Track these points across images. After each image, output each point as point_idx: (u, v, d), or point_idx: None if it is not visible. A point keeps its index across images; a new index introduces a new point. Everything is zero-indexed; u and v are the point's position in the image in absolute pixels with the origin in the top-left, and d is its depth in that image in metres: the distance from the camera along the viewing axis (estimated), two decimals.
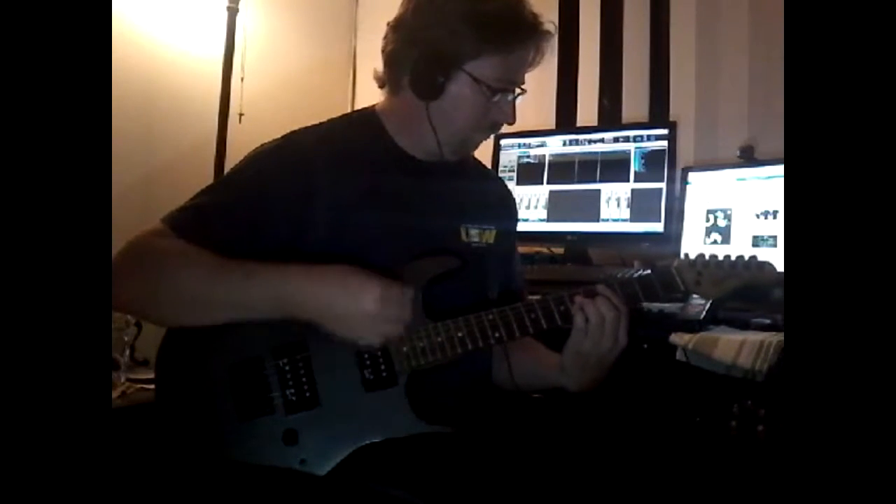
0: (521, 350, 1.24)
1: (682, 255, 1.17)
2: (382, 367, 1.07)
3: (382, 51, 1.18)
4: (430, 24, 1.12)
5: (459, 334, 1.08)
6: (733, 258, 1.12)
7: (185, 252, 1.04)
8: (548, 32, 1.14)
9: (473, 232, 1.23)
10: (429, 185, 1.19)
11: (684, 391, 1.42)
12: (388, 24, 1.17)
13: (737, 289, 1.13)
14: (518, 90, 1.16)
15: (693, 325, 1.41)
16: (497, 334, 1.09)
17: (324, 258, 1.07)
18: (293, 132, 1.17)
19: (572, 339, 1.11)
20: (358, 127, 1.21)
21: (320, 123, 1.20)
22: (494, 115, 1.15)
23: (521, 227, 1.39)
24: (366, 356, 1.07)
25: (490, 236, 1.25)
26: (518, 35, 1.12)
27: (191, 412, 1.09)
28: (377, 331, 1.02)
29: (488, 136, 1.22)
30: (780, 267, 1.12)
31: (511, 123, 1.18)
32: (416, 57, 1.12)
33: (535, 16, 1.13)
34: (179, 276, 1.03)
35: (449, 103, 1.13)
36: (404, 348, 1.07)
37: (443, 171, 1.20)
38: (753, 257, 1.12)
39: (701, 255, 1.14)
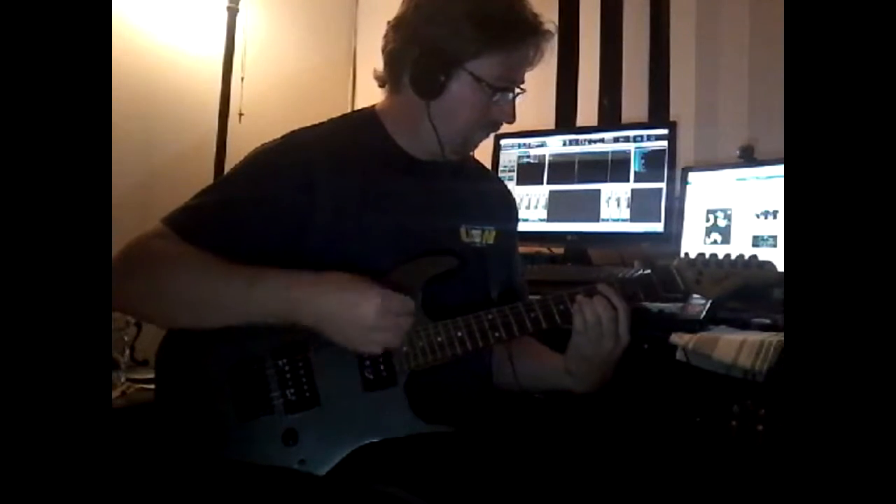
0: (526, 354, 1.23)
1: (682, 255, 1.17)
2: (382, 367, 1.07)
3: (383, 50, 1.18)
4: (431, 23, 1.12)
5: (459, 334, 1.08)
6: (733, 257, 1.13)
7: (187, 254, 1.04)
8: (548, 32, 1.15)
9: (474, 232, 1.23)
10: (429, 185, 1.19)
11: (684, 391, 1.42)
12: (388, 23, 1.17)
13: (737, 288, 1.13)
14: (518, 89, 1.16)
15: (693, 325, 1.41)
16: (497, 334, 1.09)
17: (324, 259, 1.07)
18: (293, 132, 1.17)
19: (573, 341, 1.12)
20: (358, 127, 1.21)
21: (320, 123, 1.21)
22: (495, 114, 1.16)
23: (521, 227, 1.39)
24: (366, 356, 1.07)
25: (490, 237, 1.25)
26: (519, 34, 1.12)
27: (190, 412, 1.09)
28: (375, 340, 1.01)
29: (488, 136, 1.22)
30: (780, 266, 1.12)
31: (511, 122, 1.18)
32: (416, 56, 1.12)
33: (535, 15, 1.13)
34: (180, 279, 1.03)
35: (449, 102, 1.13)
36: (404, 348, 1.07)
37: (443, 172, 1.20)
38: (754, 256, 1.12)
39: (701, 255, 1.14)
